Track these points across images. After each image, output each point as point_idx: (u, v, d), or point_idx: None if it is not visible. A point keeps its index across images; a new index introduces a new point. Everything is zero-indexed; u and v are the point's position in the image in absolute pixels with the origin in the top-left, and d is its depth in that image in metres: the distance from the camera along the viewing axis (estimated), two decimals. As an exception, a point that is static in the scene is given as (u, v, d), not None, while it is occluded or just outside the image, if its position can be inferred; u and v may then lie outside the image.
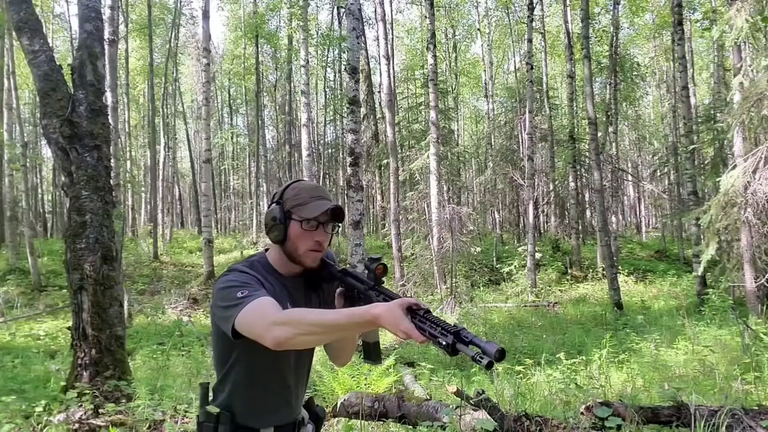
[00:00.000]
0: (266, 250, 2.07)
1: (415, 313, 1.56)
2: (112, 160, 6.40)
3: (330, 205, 1.92)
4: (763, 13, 10.65)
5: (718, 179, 11.78)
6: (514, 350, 9.97)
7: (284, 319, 1.64)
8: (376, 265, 1.85)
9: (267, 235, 2.00)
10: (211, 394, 2.04)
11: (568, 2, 23.83)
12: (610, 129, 23.57)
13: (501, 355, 1.41)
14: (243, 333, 1.71)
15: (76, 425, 4.92)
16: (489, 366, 1.41)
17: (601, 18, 27.08)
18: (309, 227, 1.92)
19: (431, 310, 1.58)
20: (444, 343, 1.46)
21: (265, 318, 1.66)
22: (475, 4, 33.84)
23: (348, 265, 10.26)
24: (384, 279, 1.89)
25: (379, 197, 25.71)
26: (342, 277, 1.98)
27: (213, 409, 1.94)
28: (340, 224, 2.02)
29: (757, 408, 4.20)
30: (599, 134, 18.77)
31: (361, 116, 16.50)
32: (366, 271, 1.88)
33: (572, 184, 22.58)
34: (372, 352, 1.99)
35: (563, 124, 28.42)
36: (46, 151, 32.06)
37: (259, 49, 30.91)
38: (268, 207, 2.02)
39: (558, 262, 20.72)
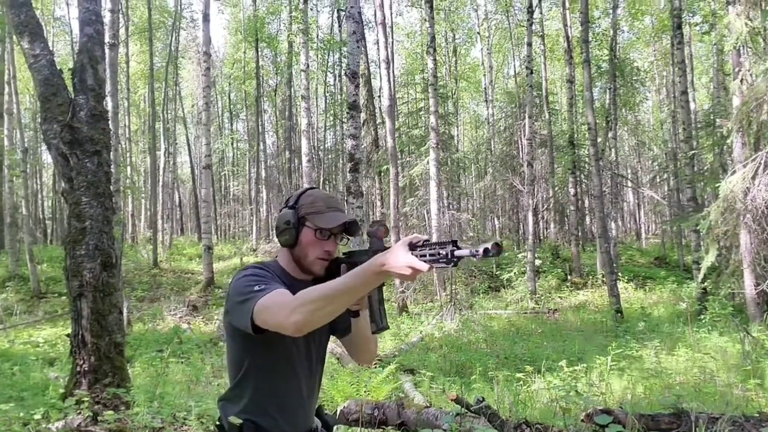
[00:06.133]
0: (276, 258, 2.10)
1: (414, 246, 1.56)
2: (112, 166, 6.40)
3: (347, 218, 1.97)
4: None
5: (717, 185, 11.79)
6: (514, 357, 9.96)
7: (298, 302, 1.63)
8: (376, 228, 1.84)
9: (277, 237, 2.03)
10: (225, 399, 2.04)
11: (567, 6, 23.88)
12: (610, 134, 23.57)
13: (496, 247, 1.43)
14: (261, 324, 1.72)
15: (75, 433, 4.91)
16: (486, 253, 1.42)
17: (600, 22, 27.14)
18: (321, 236, 1.97)
19: (429, 239, 1.58)
20: (443, 252, 1.48)
21: (281, 306, 1.66)
22: (475, 7, 33.92)
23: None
24: (387, 239, 1.86)
25: (378, 203, 25.67)
26: (346, 260, 1.99)
27: (235, 419, 1.93)
28: (350, 237, 2.05)
29: (758, 415, 4.18)
30: (599, 140, 18.78)
31: (361, 121, 16.51)
32: (369, 239, 1.87)
33: (572, 190, 22.60)
34: (381, 316, 1.92)
35: (563, 130, 28.43)
36: (47, 157, 32.06)
37: (260, 53, 30.97)
38: (280, 211, 2.05)
39: (558, 269, 20.70)
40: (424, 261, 1.52)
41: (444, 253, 1.48)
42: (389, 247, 1.74)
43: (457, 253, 1.47)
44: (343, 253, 2.03)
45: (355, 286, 1.60)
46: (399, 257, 1.52)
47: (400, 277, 1.55)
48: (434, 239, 14.34)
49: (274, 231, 2.05)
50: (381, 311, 1.92)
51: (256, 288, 1.77)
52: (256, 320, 1.72)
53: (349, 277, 1.62)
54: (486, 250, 1.42)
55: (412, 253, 1.54)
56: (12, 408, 5.26)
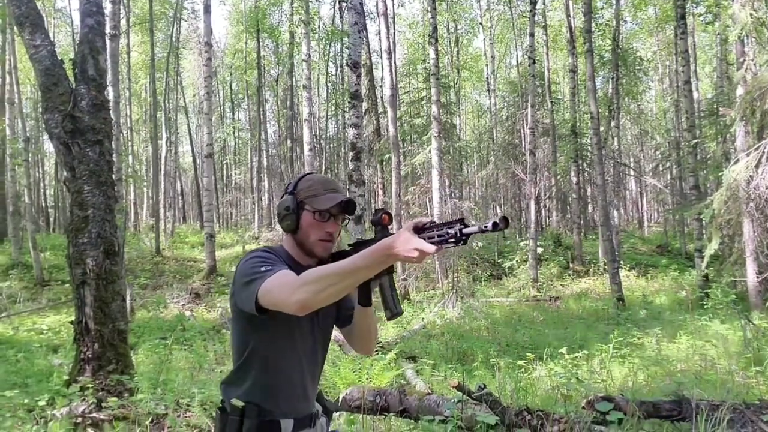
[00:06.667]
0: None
1: (421, 229, 1.58)
2: (114, 155, 6.41)
3: (343, 198, 1.99)
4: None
5: (720, 174, 11.78)
6: (515, 345, 9.98)
7: (302, 280, 1.65)
8: (380, 215, 1.86)
9: (279, 224, 2.07)
10: (227, 382, 2.06)
11: (570, -4, 23.74)
12: (612, 123, 23.51)
13: (504, 221, 1.46)
14: (266, 305, 1.73)
15: (79, 419, 4.93)
16: (494, 226, 1.46)
17: (603, 12, 26.99)
18: (321, 218, 2.00)
19: (435, 221, 1.60)
20: (452, 231, 1.51)
21: (285, 285, 1.68)
22: (477, -2, 33.78)
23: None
24: (392, 225, 1.88)
25: (380, 192, 25.66)
26: (354, 250, 1.98)
27: (238, 402, 1.95)
28: (350, 217, 2.07)
29: (758, 402, 4.20)
30: (601, 129, 18.74)
31: (363, 111, 16.46)
32: (374, 227, 1.90)
33: (574, 179, 22.55)
34: (395, 302, 1.96)
35: (565, 119, 28.33)
36: (48, 146, 32.10)
37: (261, 43, 30.86)
38: (281, 197, 2.08)
39: (560, 257, 20.70)
40: (432, 242, 1.54)
41: (453, 232, 1.51)
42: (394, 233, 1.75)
43: (466, 230, 1.50)
44: (349, 245, 2.05)
45: (361, 268, 1.61)
46: (406, 240, 1.53)
47: (407, 260, 1.55)
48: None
49: (277, 218, 2.08)
50: (394, 297, 1.94)
51: (262, 269, 1.79)
52: (260, 300, 1.73)
53: (355, 258, 1.63)
54: (495, 224, 1.45)
55: (419, 236, 1.55)
56: (17, 395, 5.28)
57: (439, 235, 1.53)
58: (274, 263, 1.84)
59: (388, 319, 1.97)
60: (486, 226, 1.46)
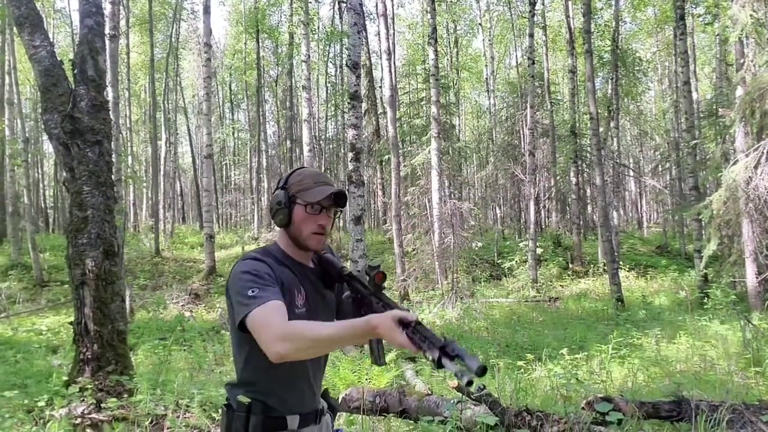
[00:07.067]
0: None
1: (407, 325, 1.61)
2: (113, 156, 6.41)
3: (333, 189, 2.00)
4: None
5: (719, 174, 11.78)
6: (515, 345, 9.98)
7: (285, 334, 1.69)
8: (375, 273, 1.90)
9: (272, 219, 2.08)
10: (232, 383, 2.07)
11: (569, -3, 23.75)
12: (612, 124, 23.53)
13: (482, 371, 1.45)
14: (250, 331, 1.78)
15: (78, 420, 4.93)
16: (469, 384, 1.46)
17: (603, 13, 27.00)
18: (312, 211, 2.00)
19: (421, 321, 1.63)
20: (430, 357, 1.52)
21: (270, 328, 1.72)
22: (477, -1, 33.81)
23: (349, 261, 10.32)
24: (384, 285, 1.93)
25: (380, 192, 25.67)
26: (348, 280, 2.04)
27: (244, 398, 1.96)
28: (342, 209, 2.09)
29: (758, 403, 4.20)
30: (601, 129, 18.74)
31: (363, 111, 16.46)
32: (367, 278, 1.93)
33: (573, 180, 22.57)
34: (378, 352, 1.99)
35: (565, 119, 28.35)
36: (48, 147, 32.07)
37: (260, 44, 30.87)
38: (273, 193, 2.09)
39: (559, 258, 20.70)
40: (414, 344, 1.57)
41: (431, 358, 1.52)
42: (384, 293, 1.86)
43: (443, 361, 1.50)
44: (346, 273, 2.07)
45: (344, 339, 1.70)
46: (392, 332, 1.59)
47: (388, 341, 1.64)
48: (436, 228, 14.18)
49: (269, 213, 2.09)
50: (379, 349, 1.97)
51: (250, 293, 1.80)
52: (246, 326, 1.78)
53: (340, 329, 1.69)
54: (469, 382, 1.45)
55: (404, 330, 1.59)
56: (16, 395, 5.28)
57: (421, 341, 1.56)
58: (265, 284, 1.84)
59: (373, 363, 2.01)
60: (462, 377, 1.45)
